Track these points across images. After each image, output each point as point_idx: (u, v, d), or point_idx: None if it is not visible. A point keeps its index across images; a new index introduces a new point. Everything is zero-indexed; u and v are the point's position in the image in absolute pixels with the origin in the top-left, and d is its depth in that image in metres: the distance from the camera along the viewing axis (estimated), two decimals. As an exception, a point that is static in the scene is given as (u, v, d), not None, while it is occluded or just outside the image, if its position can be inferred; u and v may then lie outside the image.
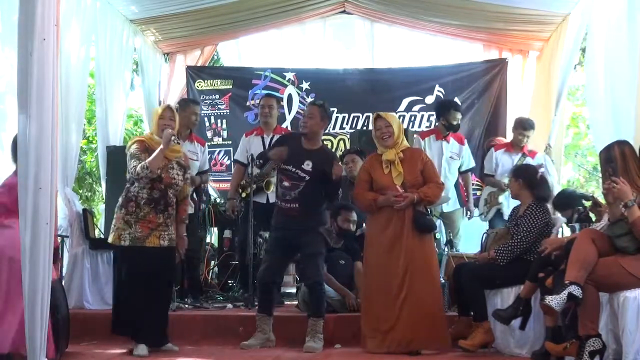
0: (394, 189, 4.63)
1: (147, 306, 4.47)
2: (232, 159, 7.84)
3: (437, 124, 6.70)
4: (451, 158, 6.51)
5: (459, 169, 6.64)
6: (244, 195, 6.18)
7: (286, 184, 4.81)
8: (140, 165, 4.46)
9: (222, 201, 7.13)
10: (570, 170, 12.37)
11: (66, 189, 5.93)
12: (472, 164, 6.75)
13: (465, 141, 6.79)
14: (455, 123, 6.45)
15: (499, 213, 6.50)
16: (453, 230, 6.49)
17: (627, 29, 5.18)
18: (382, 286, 4.61)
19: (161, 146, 4.52)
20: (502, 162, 6.56)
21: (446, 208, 6.51)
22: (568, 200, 5.35)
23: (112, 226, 4.61)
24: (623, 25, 5.22)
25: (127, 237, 4.49)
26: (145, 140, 4.64)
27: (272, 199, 5.74)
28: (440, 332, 4.57)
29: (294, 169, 4.79)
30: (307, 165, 4.77)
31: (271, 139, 6.15)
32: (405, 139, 4.86)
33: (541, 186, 4.85)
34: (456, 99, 7.93)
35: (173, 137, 4.55)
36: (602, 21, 5.68)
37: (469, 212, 6.60)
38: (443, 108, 6.60)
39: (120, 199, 4.63)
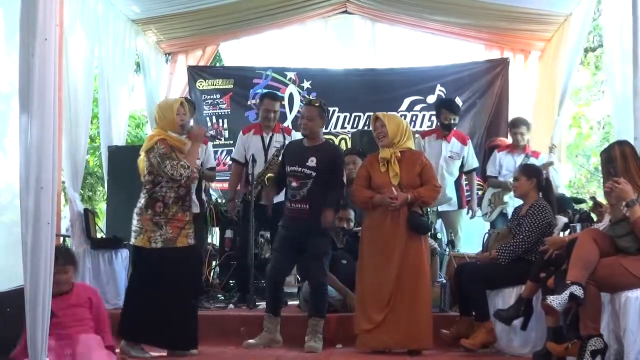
0: (390, 188, 4.62)
1: (171, 308, 4.39)
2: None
3: (437, 123, 6.71)
4: (450, 158, 6.46)
5: (460, 168, 6.62)
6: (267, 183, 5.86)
7: (294, 184, 4.81)
8: (180, 165, 4.41)
9: (224, 201, 7.12)
10: (570, 170, 12.32)
11: (68, 189, 5.93)
12: (475, 164, 6.70)
13: (469, 142, 6.73)
14: (446, 123, 6.38)
15: (502, 213, 6.48)
16: (453, 231, 6.48)
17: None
18: (374, 285, 4.63)
19: (194, 143, 4.53)
20: (506, 163, 6.53)
21: (443, 208, 6.50)
22: (558, 205, 5.34)
23: (137, 228, 4.46)
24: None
25: (159, 239, 4.41)
26: (166, 138, 4.52)
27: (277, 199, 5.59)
28: (422, 332, 4.54)
29: (299, 169, 4.80)
30: (312, 162, 4.78)
31: (270, 138, 6.07)
32: (408, 140, 4.81)
33: (548, 189, 4.88)
34: (457, 99, 7.90)
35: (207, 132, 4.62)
36: (616, 18, 5.61)
37: (471, 211, 6.58)
38: (436, 108, 6.63)
39: (142, 201, 4.50)
